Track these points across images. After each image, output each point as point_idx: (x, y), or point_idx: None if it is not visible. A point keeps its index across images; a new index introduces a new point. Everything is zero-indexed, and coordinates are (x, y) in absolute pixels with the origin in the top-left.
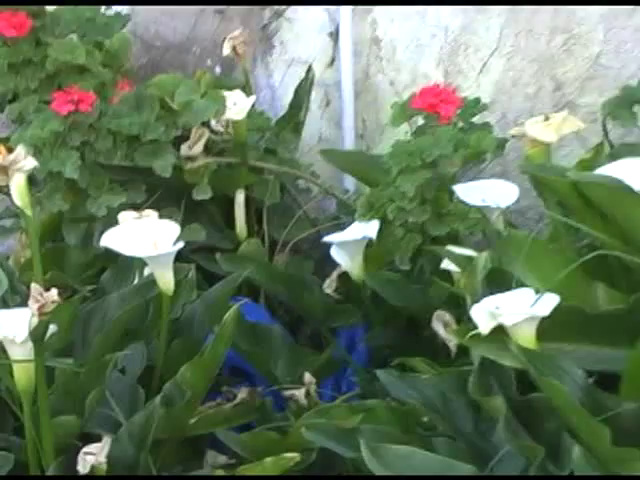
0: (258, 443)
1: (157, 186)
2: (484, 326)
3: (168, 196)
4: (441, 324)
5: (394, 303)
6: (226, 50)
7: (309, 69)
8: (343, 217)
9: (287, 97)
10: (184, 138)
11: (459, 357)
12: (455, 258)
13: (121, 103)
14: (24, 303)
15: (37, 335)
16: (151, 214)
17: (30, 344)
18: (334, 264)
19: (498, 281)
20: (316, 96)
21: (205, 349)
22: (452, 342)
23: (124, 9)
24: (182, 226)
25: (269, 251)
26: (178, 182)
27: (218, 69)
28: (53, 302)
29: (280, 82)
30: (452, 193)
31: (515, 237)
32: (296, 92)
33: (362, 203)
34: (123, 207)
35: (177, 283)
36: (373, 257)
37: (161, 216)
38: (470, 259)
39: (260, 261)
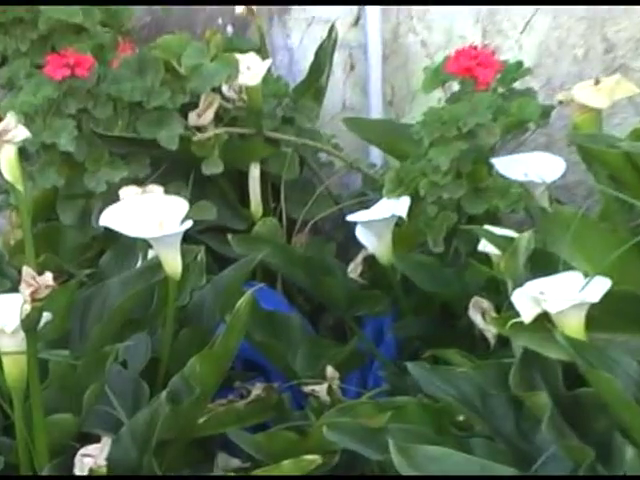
0: (274, 444)
1: (162, 159)
2: (527, 314)
3: (174, 170)
4: (479, 312)
5: (426, 289)
6: (239, 8)
7: (331, 29)
8: (369, 194)
9: (307, 60)
10: (192, 106)
11: (499, 349)
12: (494, 239)
13: (122, 67)
14: (15, 289)
15: (29, 324)
16: (156, 190)
17: (22, 334)
18: (359, 246)
19: (542, 264)
20: (339, 59)
21: (216, 340)
22: (491, 332)
23: None
24: (190, 203)
25: (287, 232)
26: (186, 155)
27: (230, 29)
28: (47, 287)
29: (299, 43)
30: (491, 167)
31: (561, 215)
32: (317, 54)
33: (390, 178)
34: (124, 182)
35: (185, 267)
36: (403, 238)
37: (167, 192)
38: (511, 240)
39: (277, 243)
